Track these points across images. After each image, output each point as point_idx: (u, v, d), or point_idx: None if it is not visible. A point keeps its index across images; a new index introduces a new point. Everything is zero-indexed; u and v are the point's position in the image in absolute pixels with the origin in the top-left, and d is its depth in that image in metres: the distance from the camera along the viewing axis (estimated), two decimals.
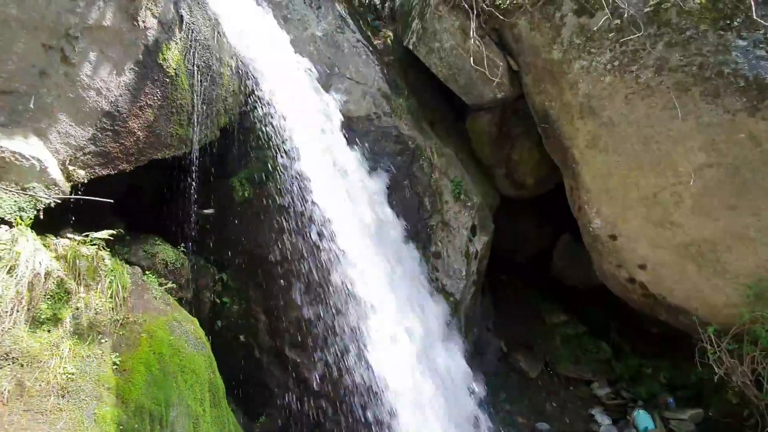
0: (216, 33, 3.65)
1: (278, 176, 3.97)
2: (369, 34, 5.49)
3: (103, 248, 2.86)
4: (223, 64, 3.74)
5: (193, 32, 3.41)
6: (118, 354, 2.55)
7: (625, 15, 3.87)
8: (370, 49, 5.17)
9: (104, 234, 2.84)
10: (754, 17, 3.53)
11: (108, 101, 2.98)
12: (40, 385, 2.23)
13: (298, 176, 3.92)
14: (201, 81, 3.47)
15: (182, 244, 3.70)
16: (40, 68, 2.71)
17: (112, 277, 2.76)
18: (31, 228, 2.65)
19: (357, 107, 4.81)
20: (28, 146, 2.69)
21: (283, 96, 4.06)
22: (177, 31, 3.31)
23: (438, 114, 5.60)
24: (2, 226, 2.57)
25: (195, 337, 3.01)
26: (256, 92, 3.97)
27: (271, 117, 3.90)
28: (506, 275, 6.48)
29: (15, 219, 2.61)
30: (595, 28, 4.05)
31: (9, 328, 2.29)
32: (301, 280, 3.99)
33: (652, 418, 4.74)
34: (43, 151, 2.74)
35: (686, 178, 3.89)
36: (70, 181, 2.88)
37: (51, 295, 2.49)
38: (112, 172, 3.08)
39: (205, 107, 3.53)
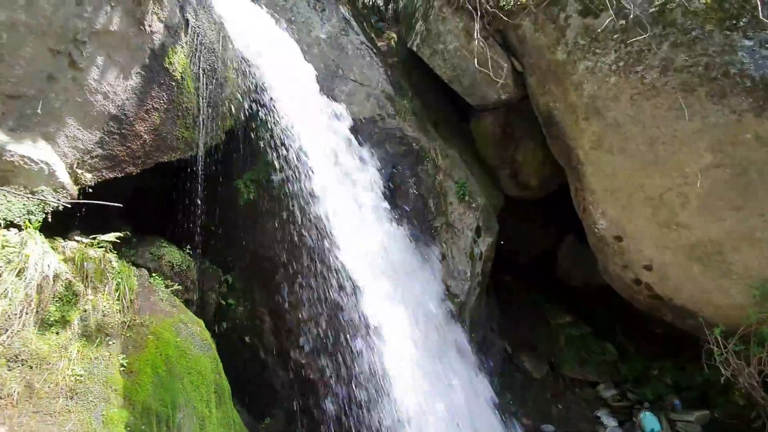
0: (221, 37, 3.67)
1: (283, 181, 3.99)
2: (373, 35, 5.50)
3: (110, 251, 2.89)
4: (228, 68, 3.77)
5: (198, 36, 3.43)
6: (125, 356, 2.58)
7: (631, 16, 3.86)
8: (374, 51, 5.18)
9: (111, 236, 2.86)
10: (761, 17, 3.51)
11: (115, 105, 3.01)
12: (49, 387, 2.25)
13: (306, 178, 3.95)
14: (206, 84, 3.49)
15: (188, 246, 3.72)
16: (48, 73, 2.73)
17: (120, 280, 2.78)
18: (40, 231, 2.68)
19: (361, 109, 4.82)
20: (36, 150, 2.71)
21: (287, 98, 4.08)
22: (183, 35, 3.33)
23: (442, 115, 5.60)
24: (11, 229, 2.60)
25: (201, 338, 3.03)
26: (260, 95, 3.99)
27: (276, 122, 3.93)
28: (510, 276, 6.47)
29: (24, 222, 2.63)
30: (599, 29, 4.03)
31: (18, 331, 2.32)
32: (306, 280, 4.01)
33: (659, 420, 4.72)
34: (51, 155, 2.76)
35: (692, 178, 3.87)
36: (77, 185, 2.91)
37: (59, 298, 2.52)
38: (119, 175, 3.11)
39: (210, 110, 3.55)
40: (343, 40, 5.06)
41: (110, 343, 2.56)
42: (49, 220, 2.74)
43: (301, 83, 4.42)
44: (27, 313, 2.37)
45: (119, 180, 3.13)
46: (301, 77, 4.45)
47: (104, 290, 2.69)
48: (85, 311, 2.56)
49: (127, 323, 2.69)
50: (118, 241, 2.91)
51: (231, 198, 4.23)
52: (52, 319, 2.45)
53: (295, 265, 4.02)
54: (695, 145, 3.82)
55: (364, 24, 5.51)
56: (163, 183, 3.86)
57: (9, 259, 2.44)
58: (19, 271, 2.43)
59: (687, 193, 3.95)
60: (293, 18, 4.97)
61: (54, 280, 2.51)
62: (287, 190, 4.00)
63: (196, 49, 3.42)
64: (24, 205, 2.66)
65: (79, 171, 2.91)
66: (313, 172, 3.97)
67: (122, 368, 2.53)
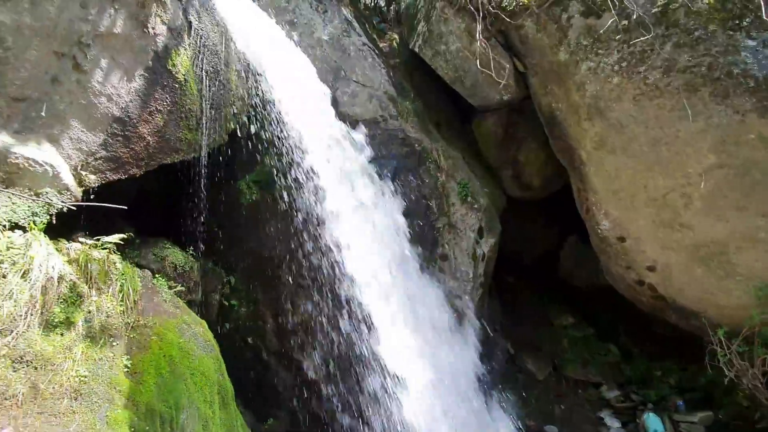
0: (224, 39, 3.68)
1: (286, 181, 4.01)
2: (374, 37, 5.51)
3: (114, 252, 2.90)
4: (231, 70, 3.78)
5: (201, 38, 3.45)
6: (129, 357, 2.59)
7: (633, 16, 3.85)
8: (376, 52, 5.19)
9: (115, 238, 2.87)
10: (764, 17, 3.50)
11: (119, 107, 3.02)
12: (53, 388, 2.27)
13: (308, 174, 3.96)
14: (209, 86, 3.50)
15: (191, 248, 3.73)
16: (53, 75, 2.75)
17: (123, 281, 2.79)
18: (44, 232, 2.69)
19: (363, 110, 4.83)
20: (41, 152, 2.73)
21: (290, 101, 4.10)
22: (186, 37, 3.35)
23: (444, 116, 5.60)
24: (16, 230, 2.61)
25: (204, 339, 3.04)
26: (263, 98, 4.01)
27: (281, 125, 3.95)
28: (513, 276, 6.46)
29: (29, 224, 2.65)
30: (602, 30, 4.03)
31: (23, 332, 2.33)
32: (308, 281, 4.01)
33: (662, 421, 4.70)
34: (55, 157, 2.78)
35: (695, 179, 3.86)
36: (81, 186, 2.93)
37: (64, 299, 2.53)
38: (123, 177, 3.12)
39: (213, 112, 3.56)
40: (345, 41, 5.06)
41: (114, 344, 2.57)
42: (54, 221, 2.76)
43: (315, 104, 4.40)
44: (32, 315, 2.38)
45: (123, 181, 3.15)
46: (313, 95, 4.43)
47: (108, 291, 2.71)
48: (90, 312, 2.57)
49: (131, 324, 2.70)
50: (122, 242, 2.92)
51: (233, 199, 4.24)
52: (56, 320, 2.47)
53: (298, 266, 4.04)
54: (698, 146, 3.81)
55: (366, 25, 5.51)
56: (166, 184, 3.88)
57: (14, 261, 2.46)
58: (24, 273, 2.44)
59: (690, 193, 3.94)
60: (295, 20, 4.98)
61: (58, 282, 2.52)
62: (289, 192, 4.02)
63: (199, 51, 3.44)
64: (29, 206, 2.68)
65: (83, 173, 2.93)
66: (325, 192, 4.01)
67: (126, 369, 2.54)
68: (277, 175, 4.10)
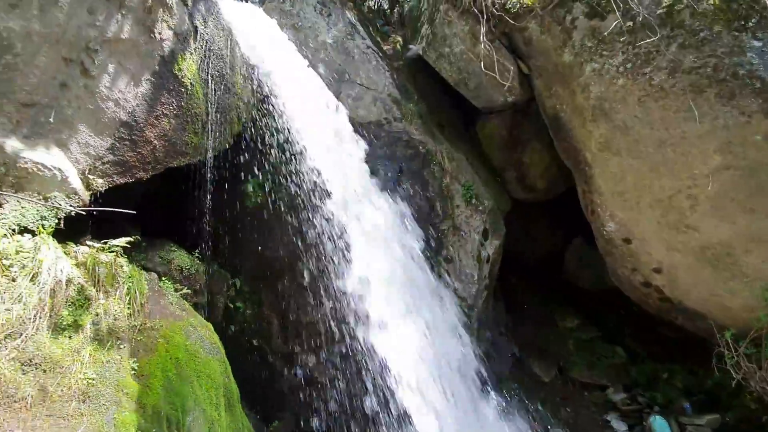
0: (229, 43, 3.71)
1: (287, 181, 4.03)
2: (378, 39, 5.53)
3: (121, 255, 2.92)
4: (236, 74, 3.81)
5: (207, 42, 3.48)
6: (136, 359, 2.61)
7: (639, 17, 3.84)
8: (380, 54, 5.20)
9: (122, 241, 2.90)
10: None
11: (126, 111, 3.05)
12: (62, 390, 2.29)
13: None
14: (215, 90, 3.53)
15: (196, 250, 3.76)
16: (61, 81, 2.78)
17: (130, 284, 2.82)
18: (53, 236, 2.72)
19: (368, 113, 4.84)
20: (49, 157, 2.76)
21: (293, 102, 4.12)
22: (192, 41, 3.38)
23: (447, 118, 5.61)
24: (25, 234, 2.64)
25: (210, 341, 3.06)
26: (268, 101, 4.03)
27: (286, 128, 3.97)
28: (518, 278, 6.44)
29: (38, 227, 2.68)
30: (606, 31, 4.02)
31: (32, 335, 2.36)
32: (313, 283, 4.02)
33: (669, 424, 4.67)
34: (63, 162, 2.81)
35: (702, 180, 3.84)
36: (89, 190, 2.96)
37: (72, 302, 2.56)
38: (130, 181, 3.15)
39: (219, 116, 3.59)
40: (350, 44, 5.09)
41: (121, 346, 2.60)
42: (62, 225, 2.79)
43: (321, 106, 4.42)
44: (40, 318, 2.41)
45: (129, 185, 3.18)
46: (319, 98, 4.45)
47: (115, 294, 2.73)
48: (97, 315, 2.60)
49: (138, 327, 2.72)
50: (129, 245, 2.95)
51: (238, 202, 4.26)
52: (64, 323, 2.49)
53: (303, 267, 4.05)
54: (704, 147, 3.79)
55: (370, 28, 5.53)
56: (172, 187, 3.91)
57: (23, 264, 2.49)
58: (33, 276, 2.47)
59: (696, 195, 3.92)
60: (299, 23, 5.01)
61: (67, 285, 2.55)
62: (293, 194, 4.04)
63: (204, 56, 3.46)
64: (38, 210, 2.71)
65: (91, 177, 2.96)
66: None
67: (133, 372, 2.56)
68: (281, 178, 4.12)
